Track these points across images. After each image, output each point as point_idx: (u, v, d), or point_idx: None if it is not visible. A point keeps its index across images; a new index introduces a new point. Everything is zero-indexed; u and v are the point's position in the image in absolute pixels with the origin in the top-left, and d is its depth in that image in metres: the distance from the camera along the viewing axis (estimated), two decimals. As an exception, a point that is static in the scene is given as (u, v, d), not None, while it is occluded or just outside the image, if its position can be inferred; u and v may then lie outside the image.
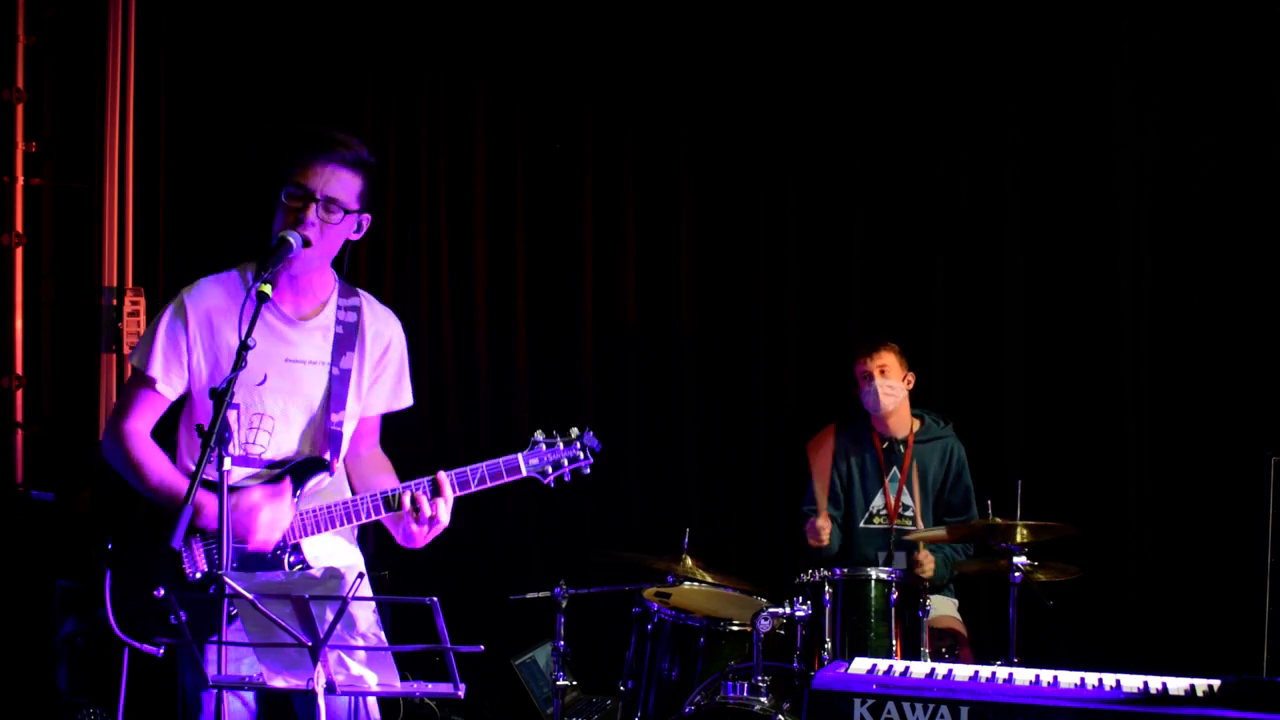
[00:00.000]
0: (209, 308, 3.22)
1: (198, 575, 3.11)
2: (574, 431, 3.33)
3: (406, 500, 3.17)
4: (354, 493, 3.35)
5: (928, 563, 4.70)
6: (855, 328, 5.44)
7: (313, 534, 3.19)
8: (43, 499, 5.28)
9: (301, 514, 3.17)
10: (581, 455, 3.33)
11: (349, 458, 3.41)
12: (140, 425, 3.23)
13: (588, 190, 5.70)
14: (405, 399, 3.44)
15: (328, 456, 3.23)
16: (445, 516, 3.19)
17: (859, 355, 4.95)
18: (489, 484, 3.25)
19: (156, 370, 3.19)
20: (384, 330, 3.36)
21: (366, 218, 3.24)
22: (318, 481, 3.23)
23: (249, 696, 3.21)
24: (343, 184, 3.14)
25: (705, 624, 4.17)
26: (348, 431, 3.29)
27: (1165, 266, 5.12)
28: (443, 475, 3.19)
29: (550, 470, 3.31)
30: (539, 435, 3.31)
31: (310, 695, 2.63)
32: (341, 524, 3.20)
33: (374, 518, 3.21)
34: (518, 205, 5.75)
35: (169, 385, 3.21)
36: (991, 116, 5.30)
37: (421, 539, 3.22)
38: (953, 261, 5.38)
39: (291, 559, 3.18)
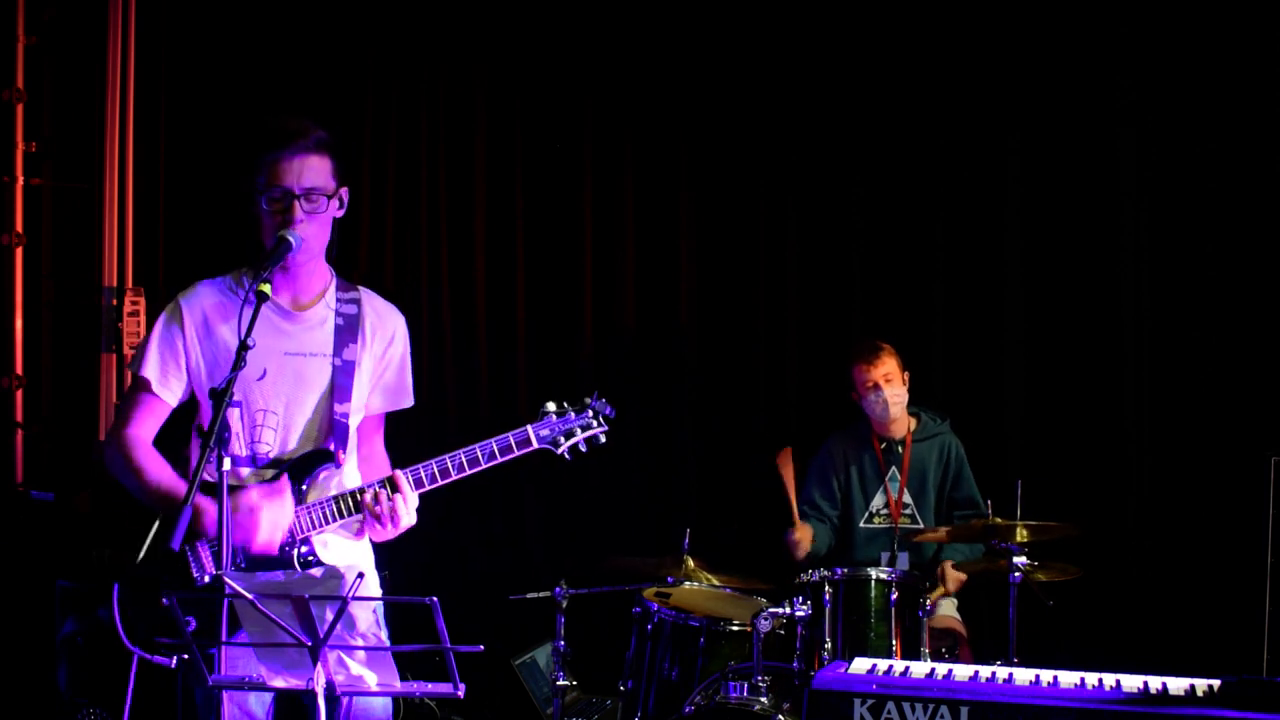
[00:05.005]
0: (205, 309, 3.22)
1: (206, 579, 3.08)
2: (586, 400, 3.26)
3: (368, 498, 3.14)
4: None
5: (952, 579, 4.67)
6: (856, 327, 5.44)
7: (319, 529, 3.16)
8: (43, 499, 5.28)
9: (308, 508, 3.15)
10: (595, 423, 3.25)
11: (358, 459, 3.38)
12: (140, 432, 3.20)
13: (587, 190, 5.70)
14: (407, 399, 3.40)
15: (332, 448, 3.20)
16: (405, 512, 3.15)
17: (859, 363, 4.86)
18: (499, 459, 3.18)
19: (151, 373, 3.19)
20: (387, 323, 3.33)
21: (344, 191, 3.23)
22: (324, 476, 3.21)
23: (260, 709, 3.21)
24: (315, 171, 3.13)
25: (705, 624, 4.17)
26: (354, 423, 3.27)
27: (1165, 267, 5.12)
28: (399, 473, 3.15)
29: (563, 440, 3.22)
30: (549, 405, 3.24)
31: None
32: (333, 520, 3.17)
33: (348, 517, 3.17)
34: (518, 205, 5.74)
35: (167, 389, 3.20)
36: (992, 119, 5.30)
37: (383, 535, 3.20)
38: (953, 260, 5.38)
39: (303, 550, 3.15)
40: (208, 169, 5.66)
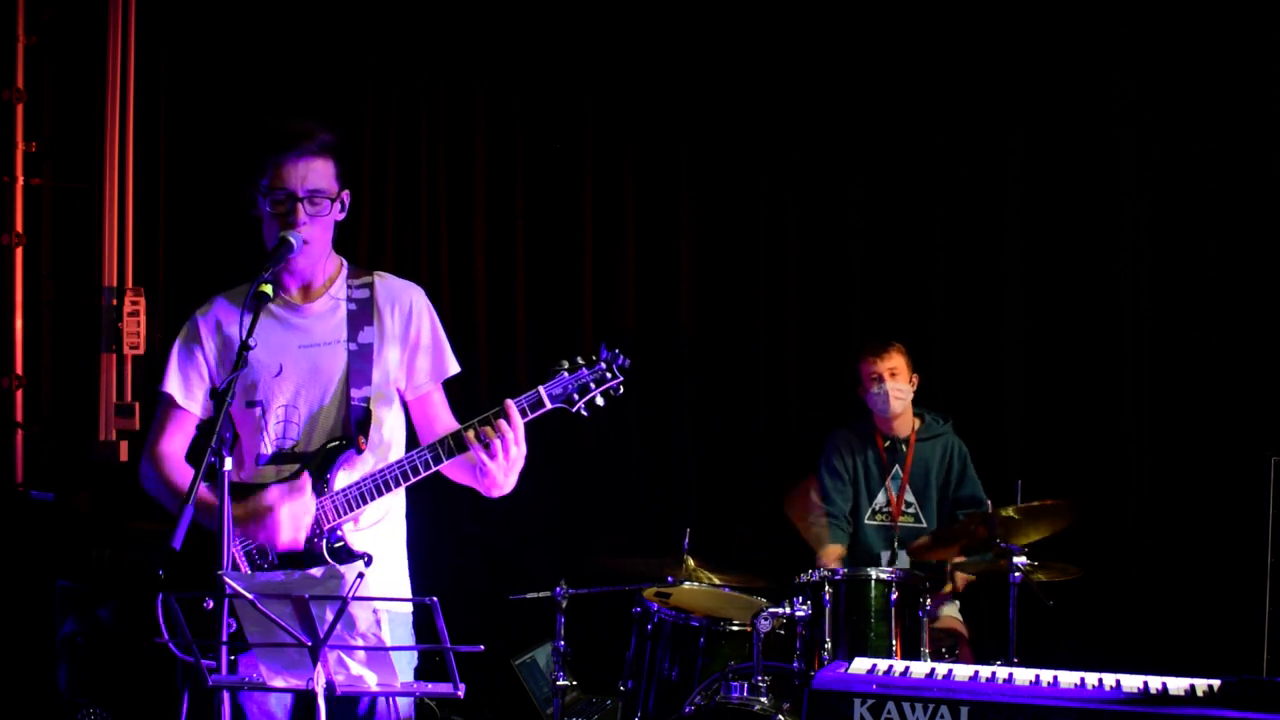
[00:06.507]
0: (219, 318, 3.26)
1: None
2: (595, 355, 3.17)
3: (471, 435, 3.06)
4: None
5: (960, 579, 4.67)
6: (856, 327, 5.44)
7: (347, 517, 3.13)
8: (43, 499, 5.28)
9: (332, 497, 3.13)
10: (609, 375, 3.14)
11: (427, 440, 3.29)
12: (169, 447, 3.25)
13: (587, 190, 5.70)
14: (451, 366, 3.34)
15: (353, 435, 3.16)
16: (520, 444, 3.07)
17: (867, 355, 4.92)
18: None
19: (172, 387, 3.24)
20: (401, 298, 3.29)
21: (346, 194, 3.23)
22: (347, 463, 3.17)
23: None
24: (319, 174, 3.14)
25: (705, 624, 4.17)
26: (379, 408, 3.23)
27: (1165, 266, 5.12)
28: (510, 402, 3.08)
29: (577, 396, 3.13)
30: (562, 363, 3.15)
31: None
32: (359, 505, 3.14)
33: (422, 475, 3.11)
34: (518, 205, 5.74)
35: (193, 400, 3.25)
36: (992, 119, 5.30)
37: (503, 475, 3.10)
38: (953, 260, 5.38)
39: (332, 541, 3.12)
40: (208, 169, 5.66)
